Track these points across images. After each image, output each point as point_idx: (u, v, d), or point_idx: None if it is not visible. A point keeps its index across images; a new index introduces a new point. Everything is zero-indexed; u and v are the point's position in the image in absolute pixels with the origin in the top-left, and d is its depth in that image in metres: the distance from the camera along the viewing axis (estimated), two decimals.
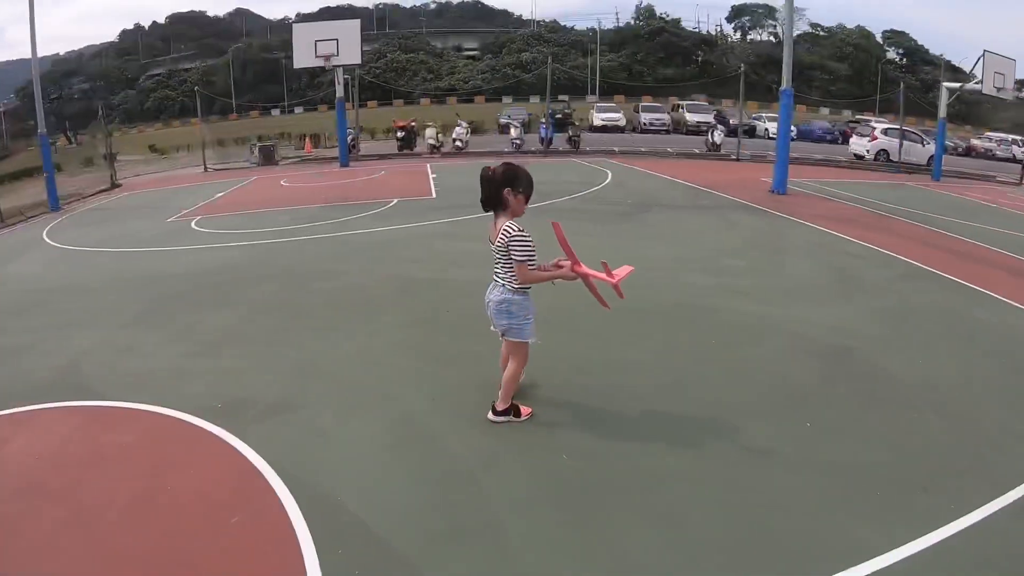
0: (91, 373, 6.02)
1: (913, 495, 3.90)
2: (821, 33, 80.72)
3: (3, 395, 5.66)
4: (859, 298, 7.68)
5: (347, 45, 23.56)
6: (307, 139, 33.98)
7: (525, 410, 4.73)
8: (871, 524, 3.61)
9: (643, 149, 26.61)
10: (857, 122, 34.66)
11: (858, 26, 77.53)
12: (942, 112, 22.19)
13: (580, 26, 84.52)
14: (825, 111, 59.28)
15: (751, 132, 33.84)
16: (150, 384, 5.62)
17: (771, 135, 33.32)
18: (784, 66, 15.99)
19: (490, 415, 4.65)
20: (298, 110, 70.64)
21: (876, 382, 5.41)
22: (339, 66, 24.25)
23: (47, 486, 4.21)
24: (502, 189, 4.18)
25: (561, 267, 4.37)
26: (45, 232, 14.60)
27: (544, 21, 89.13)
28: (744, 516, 3.70)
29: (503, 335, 4.55)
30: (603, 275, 4.39)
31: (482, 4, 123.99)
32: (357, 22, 25.63)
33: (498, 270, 4.43)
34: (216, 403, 5.13)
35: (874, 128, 26.81)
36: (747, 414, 4.77)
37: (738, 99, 28.51)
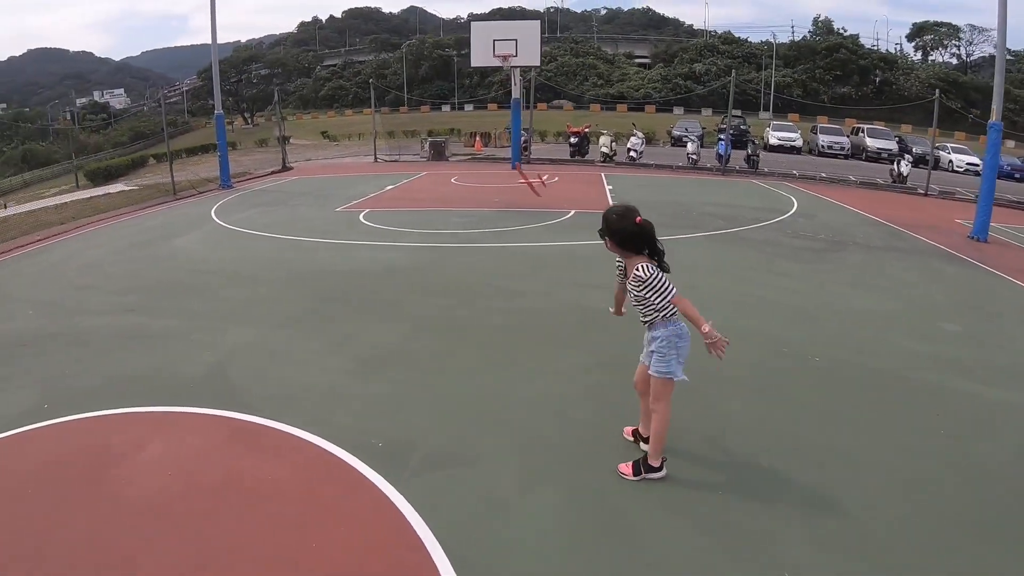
0: (240, 377, 5.74)
1: None
2: (1009, 57, 73.09)
3: (148, 388, 5.57)
4: None
5: (526, 46, 23.67)
6: (477, 137, 34.32)
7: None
8: None
9: (823, 175, 24.79)
10: None
11: None
12: None
13: (754, 38, 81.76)
14: (1010, 144, 53.22)
15: (935, 164, 30.75)
16: (303, 402, 5.23)
17: (955, 168, 30.98)
18: (995, 96, 13.87)
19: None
20: (468, 107, 72.63)
21: None
22: (517, 67, 24.28)
23: (174, 513, 3.83)
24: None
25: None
26: (214, 210, 15.30)
27: (715, 31, 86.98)
28: None
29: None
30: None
31: (652, 12, 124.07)
32: (537, 23, 25.82)
33: None
34: (377, 441, 4.56)
35: None
36: (986, 536, 3.77)
37: (917, 125, 25.53)
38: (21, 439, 4.70)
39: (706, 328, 3.79)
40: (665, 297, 3.87)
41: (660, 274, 3.89)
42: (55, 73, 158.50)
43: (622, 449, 4.53)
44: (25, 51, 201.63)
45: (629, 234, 3.92)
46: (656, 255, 3.96)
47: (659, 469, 4.15)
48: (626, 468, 4.19)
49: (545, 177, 12.95)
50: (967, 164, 30.62)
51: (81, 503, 3.91)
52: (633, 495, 4.02)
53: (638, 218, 3.89)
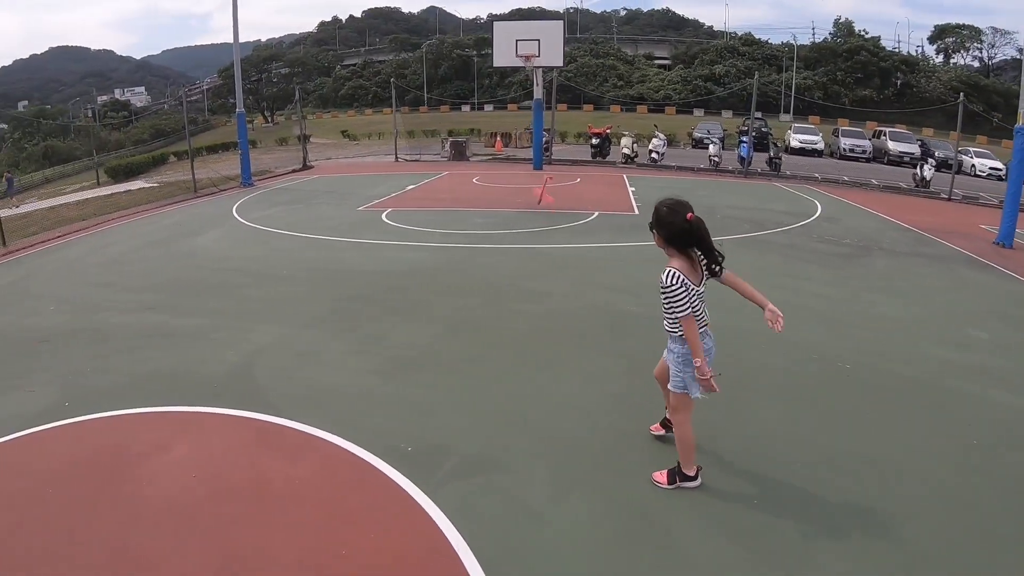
0: (266, 377, 5.66)
1: None
2: None
3: (171, 387, 5.51)
4: None
5: (549, 46, 23.51)
6: (498, 138, 34.25)
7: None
8: None
9: (846, 178, 24.51)
10: None
11: None
12: None
13: (775, 40, 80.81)
14: None
15: (958, 168, 30.33)
16: (330, 404, 5.15)
17: (978, 172, 30.45)
18: (1021, 101, 13.54)
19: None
20: (488, 108, 72.58)
21: None
22: (539, 67, 24.18)
23: (200, 517, 3.76)
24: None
25: None
26: (235, 207, 15.30)
27: (735, 33, 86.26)
28: None
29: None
30: None
31: (672, 13, 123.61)
32: (560, 23, 25.61)
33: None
34: (406, 445, 4.47)
35: None
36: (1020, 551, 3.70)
37: (939, 128, 24.86)
38: (41, 438, 4.66)
39: (698, 363, 3.75)
40: (675, 313, 3.77)
41: (682, 288, 3.77)
42: (76, 71, 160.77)
43: (653, 454, 4.44)
44: (47, 49, 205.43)
45: (678, 229, 3.80)
46: (710, 257, 3.88)
47: (694, 478, 4.08)
48: (660, 476, 4.12)
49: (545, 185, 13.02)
50: (990, 168, 30.17)
51: (101, 504, 3.86)
52: (667, 503, 3.94)
53: (690, 214, 3.77)
